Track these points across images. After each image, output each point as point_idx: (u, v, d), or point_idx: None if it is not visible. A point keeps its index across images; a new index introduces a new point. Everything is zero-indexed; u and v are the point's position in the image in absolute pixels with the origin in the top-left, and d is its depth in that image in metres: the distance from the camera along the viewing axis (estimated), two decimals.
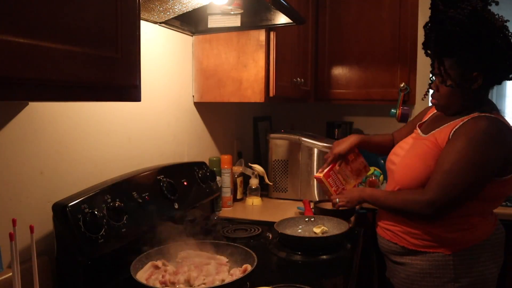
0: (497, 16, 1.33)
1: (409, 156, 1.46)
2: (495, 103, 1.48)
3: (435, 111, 1.54)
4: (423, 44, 1.41)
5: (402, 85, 2.50)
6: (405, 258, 1.44)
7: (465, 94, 1.38)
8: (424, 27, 1.39)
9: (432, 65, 1.44)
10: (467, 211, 1.35)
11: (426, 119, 1.59)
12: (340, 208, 1.61)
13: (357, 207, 1.85)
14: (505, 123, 1.34)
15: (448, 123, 1.40)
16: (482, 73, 1.34)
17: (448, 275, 1.36)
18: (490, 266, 1.39)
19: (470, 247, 1.36)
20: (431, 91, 1.50)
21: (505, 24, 1.33)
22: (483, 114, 1.34)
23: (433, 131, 1.43)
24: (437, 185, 1.31)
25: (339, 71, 2.65)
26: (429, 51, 1.41)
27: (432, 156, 1.38)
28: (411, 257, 1.42)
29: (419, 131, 1.53)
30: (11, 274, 0.86)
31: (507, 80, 1.42)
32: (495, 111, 1.39)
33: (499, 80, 1.40)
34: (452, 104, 1.40)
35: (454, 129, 1.34)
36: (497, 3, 1.35)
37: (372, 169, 2.32)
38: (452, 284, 1.36)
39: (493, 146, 1.29)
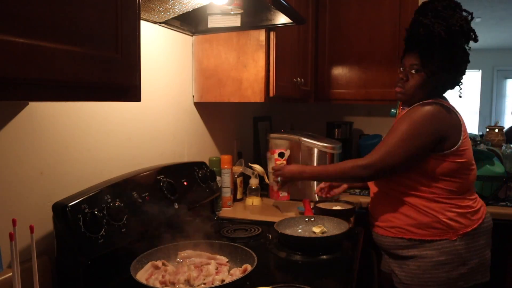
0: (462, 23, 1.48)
1: None
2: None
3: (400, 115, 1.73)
4: (408, 39, 1.58)
5: None
6: (413, 251, 1.53)
7: (428, 88, 1.55)
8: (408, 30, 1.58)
9: (402, 57, 1.61)
10: (446, 193, 1.50)
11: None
12: (278, 189, 1.78)
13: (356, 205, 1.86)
14: (448, 106, 1.52)
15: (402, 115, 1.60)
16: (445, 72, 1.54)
17: (458, 260, 1.49)
18: (487, 250, 1.56)
19: (470, 232, 1.50)
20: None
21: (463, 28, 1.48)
22: (426, 101, 1.53)
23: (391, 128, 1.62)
24: (375, 152, 1.52)
25: (339, 71, 2.65)
26: (410, 44, 1.57)
27: None
28: (419, 248, 1.52)
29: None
30: (11, 274, 0.86)
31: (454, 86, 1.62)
32: (444, 100, 1.57)
33: (455, 83, 1.60)
34: (417, 95, 1.56)
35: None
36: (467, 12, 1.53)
37: None
38: (463, 267, 1.49)
39: (429, 122, 1.48)
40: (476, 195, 1.61)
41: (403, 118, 1.54)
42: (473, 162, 1.58)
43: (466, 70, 1.59)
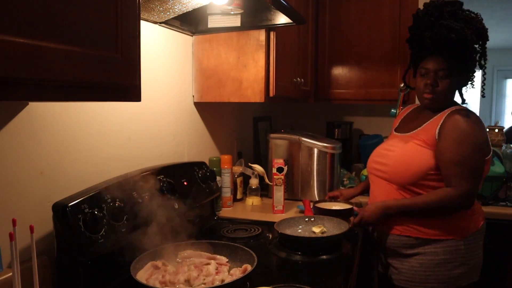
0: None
1: (401, 155, 1.58)
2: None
3: (403, 115, 1.76)
4: (431, 44, 1.54)
5: (402, 85, 2.50)
6: (418, 249, 1.54)
7: (453, 92, 1.59)
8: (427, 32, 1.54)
9: (412, 63, 1.63)
10: None
11: (397, 124, 1.77)
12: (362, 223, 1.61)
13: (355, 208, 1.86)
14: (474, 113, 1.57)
15: (429, 121, 1.57)
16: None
17: (459, 260, 1.51)
18: (481, 250, 1.59)
19: (473, 233, 1.54)
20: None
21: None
22: (458, 108, 1.55)
23: (417, 130, 1.58)
24: (462, 178, 1.46)
25: (339, 71, 2.65)
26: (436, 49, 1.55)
27: (422, 152, 1.52)
28: (424, 246, 1.53)
29: (397, 133, 1.69)
30: (11, 274, 0.86)
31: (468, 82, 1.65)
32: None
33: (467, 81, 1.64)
34: (446, 99, 1.57)
35: (439, 125, 1.51)
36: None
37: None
38: (462, 267, 1.52)
39: (479, 128, 1.50)
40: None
41: (450, 131, 1.48)
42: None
43: None
